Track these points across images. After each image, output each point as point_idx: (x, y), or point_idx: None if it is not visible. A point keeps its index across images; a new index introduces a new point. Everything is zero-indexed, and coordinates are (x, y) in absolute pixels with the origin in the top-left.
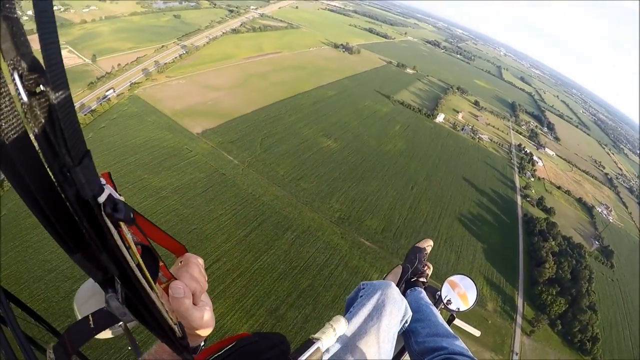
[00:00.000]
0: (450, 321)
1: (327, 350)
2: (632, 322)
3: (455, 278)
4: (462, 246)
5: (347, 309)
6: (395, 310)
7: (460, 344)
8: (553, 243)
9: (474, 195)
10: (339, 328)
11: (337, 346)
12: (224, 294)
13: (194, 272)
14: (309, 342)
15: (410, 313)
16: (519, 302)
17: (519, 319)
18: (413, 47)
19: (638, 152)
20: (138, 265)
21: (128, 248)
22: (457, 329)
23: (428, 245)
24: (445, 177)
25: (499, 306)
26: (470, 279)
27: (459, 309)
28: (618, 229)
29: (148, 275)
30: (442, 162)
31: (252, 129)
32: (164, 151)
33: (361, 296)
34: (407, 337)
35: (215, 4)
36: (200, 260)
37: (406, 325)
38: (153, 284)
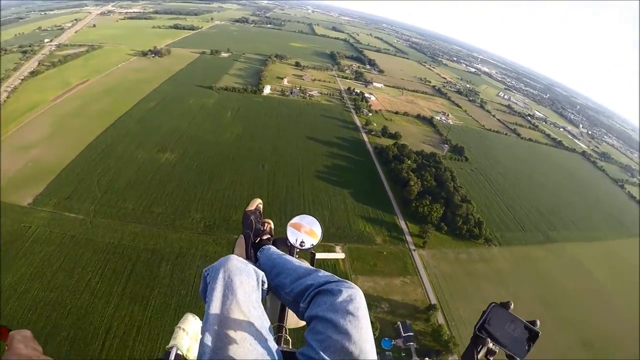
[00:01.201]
0: (313, 260)
1: (204, 350)
2: (501, 195)
3: (295, 220)
4: (330, 199)
5: (204, 300)
6: (245, 277)
7: (324, 273)
8: (409, 162)
9: (323, 149)
10: (188, 327)
11: (210, 340)
12: None
13: (20, 350)
14: (167, 354)
15: (261, 273)
16: (402, 224)
17: (409, 238)
18: (222, 30)
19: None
20: None
21: None
22: (326, 262)
23: (258, 204)
24: (290, 144)
25: (386, 236)
26: (308, 214)
27: (313, 244)
28: (459, 127)
29: None
30: (282, 131)
31: (85, 173)
32: (1, 241)
33: (208, 282)
34: (277, 293)
35: (6, 50)
36: (26, 333)
37: (265, 285)
38: None
